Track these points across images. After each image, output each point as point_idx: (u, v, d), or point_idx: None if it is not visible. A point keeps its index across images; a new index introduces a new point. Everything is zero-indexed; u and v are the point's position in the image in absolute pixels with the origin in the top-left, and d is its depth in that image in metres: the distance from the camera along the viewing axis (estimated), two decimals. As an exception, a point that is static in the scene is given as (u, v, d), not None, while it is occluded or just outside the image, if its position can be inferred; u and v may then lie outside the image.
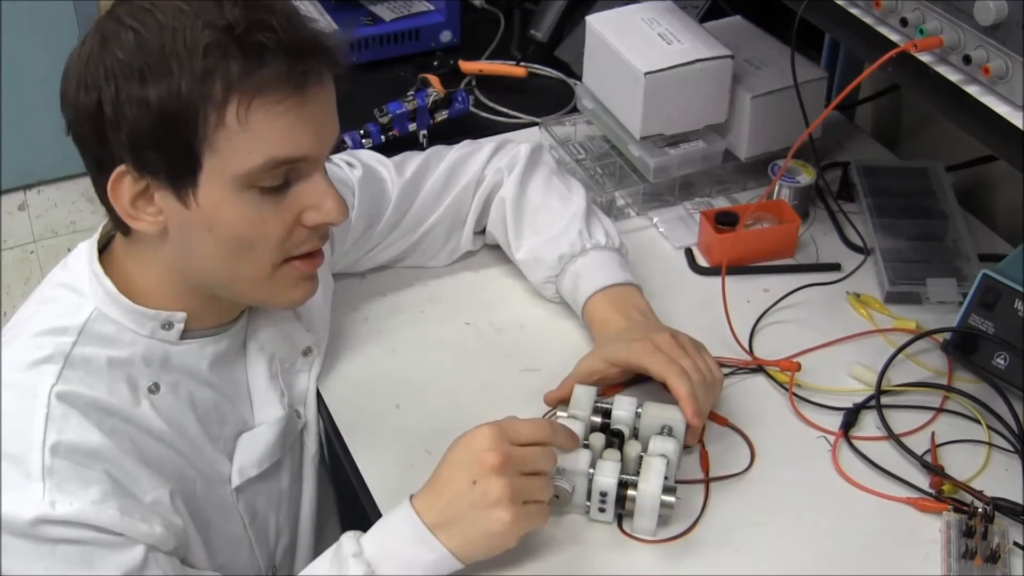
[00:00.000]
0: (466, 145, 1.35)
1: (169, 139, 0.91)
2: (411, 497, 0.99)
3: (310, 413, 1.18)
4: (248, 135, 0.91)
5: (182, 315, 1.02)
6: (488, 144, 1.34)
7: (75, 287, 1.02)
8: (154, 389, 1.02)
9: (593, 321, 1.22)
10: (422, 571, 0.97)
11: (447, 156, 1.33)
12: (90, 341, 0.99)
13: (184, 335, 1.04)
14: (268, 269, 0.99)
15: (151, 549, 0.96)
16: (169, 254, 0.99)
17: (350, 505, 1.31)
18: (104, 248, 1.04)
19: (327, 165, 1.26)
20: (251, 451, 1.10)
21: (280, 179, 0.96)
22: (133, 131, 0.91)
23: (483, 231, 1.35)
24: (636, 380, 1.20)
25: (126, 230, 1.00)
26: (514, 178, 1.30)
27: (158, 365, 1.02)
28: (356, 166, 1.28)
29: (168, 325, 1.02)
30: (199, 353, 1.05)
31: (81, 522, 0.92)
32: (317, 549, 1.23)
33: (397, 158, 1.32)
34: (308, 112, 0.94)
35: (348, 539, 0.98)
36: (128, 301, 1.00)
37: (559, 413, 1.12)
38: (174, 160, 0.92)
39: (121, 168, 0.94)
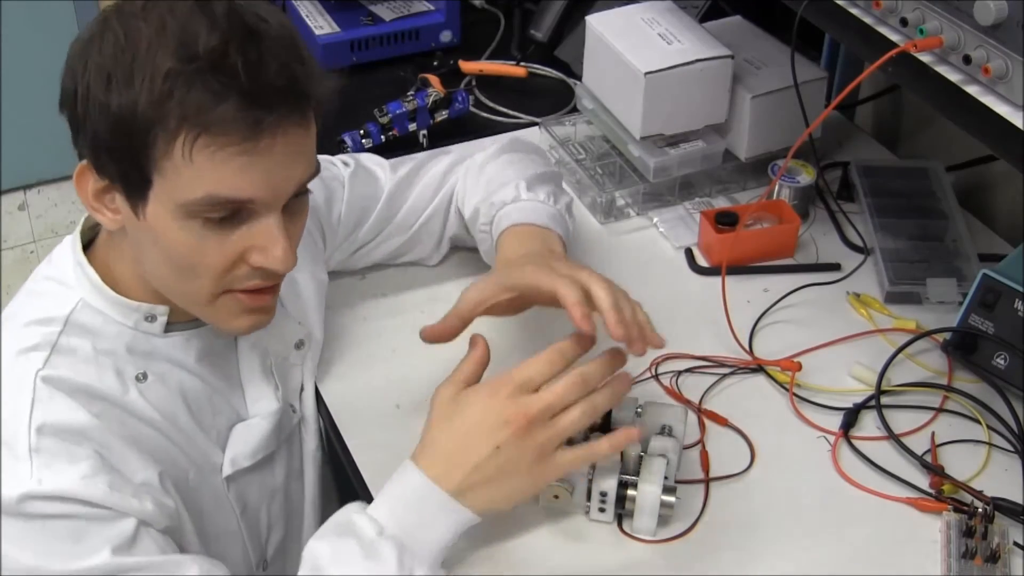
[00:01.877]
0: (465, 147, 1.35)
1: (123, 150, 0.91)
2: (418, 465, 0.97)
3: (308, 409, 1.19)
4: (192, 169, 0.90)
5: (164, 308, 1.02)
6: (490, 140, 1.34)
7: (60, 279, 1.03)
8: (142, 378, 1.02)
9: (499, 253, 1.17)
10: (449, 538, 0.97)
11: (445, 158, 1.33)
12: (76, 331, 1.00)
13: (168, 328, 1.04)
14: (207, 296, 0.97)
15: (142, 524, 0.96)
16: (133, 251, 1.00)
17: (350, 502, 1.30)
18: (90, 242, 1.05)
19: (326, 164, 1.28)
20: (244, 442, 1.10)
21: (224, 212, 0.92)
22: (94, 133, 0.92)
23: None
24: (636, 379, 1.20)
25: None
26: (488, 152, 1.30)
27: (144, 356, 1.03)
28: (350, 165, 1.29)
29: (151, 318, 1.03)
30: (185, 346, 1.06)
31: (69, 496, 0.92)
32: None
33: (396, 159, 1.33)
34: (259, 159, 0.90)
35: (362, 517, 0.96)
36: (112, 292, 1.01)
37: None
38: (127, 171, 0.92)
39: (84, 163, 0.95)
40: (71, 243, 1.05)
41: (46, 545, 0.93)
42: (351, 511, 0.98)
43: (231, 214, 0.93)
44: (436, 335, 1.09)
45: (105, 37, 0.91)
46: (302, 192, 0.98)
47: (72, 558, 0.93)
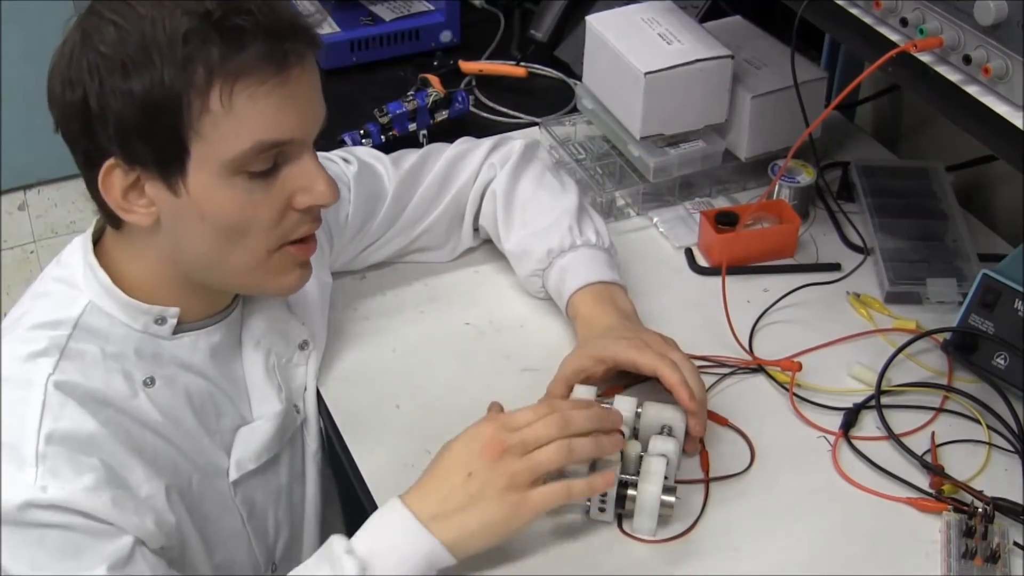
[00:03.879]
0: (464, 142, 1.35)
1: (155, 128, 0.92)
2: (400, 497, 0.98)
3: (310, 409, 1.18)
4: (233, 120, 0.92)
5: (175, 310, 1.03)
6: (487, 141, 1.35)
7: (69, 281, 1.02)
8: (149, 382, 1.02)
9: (578, 316, 1.22)
10: (415, 568, 0.95)
11: (445, 153, 1.33)
12: (84, 334, 0.99)
13: (177, 329, 1.04)
14: (262, 254, 1.00)
15: (139, 543, 0.95)
16: (161, 245, 1.00)
17: (351, 504, 1.31)
18: (96, 242, 1.05)
19: (325, 162, 1.27)
20: (249, 444, 1.10)
21: (269, 163, 0.96)
22: (119, 123, 0.92)
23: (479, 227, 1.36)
24: (636, 380, 1.20)
25: (118, 223, 1.00)
26: (506, 172, 1.31)
27: (152, 359, 1.03)
28: (352, 162, 1.29)
29: (161, 320, 1.03)
30: (192, 347, 1.06)
31: (71, 508, 0.92)
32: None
33: (394, 154, 1.33)
34: (292, 93, 0.94)
35: (338, 538, 0.97)
36: (122, 294, 1.01)
37: (559, 413, 1.12)
38: (162, 149, 0.93)
39: (110, 161, 0.95)
40: (81, 244, 1.04)
41: (42, 558, 0.92)
42: (334, 538, 0.98)
43: (272, 161, 0.96)
44: None
45: (103, 32, 0.92)
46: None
47: (68, 572, 0.92)
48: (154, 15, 0.90)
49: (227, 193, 0.95)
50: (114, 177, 0.96)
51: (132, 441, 0.99)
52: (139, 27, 0.90)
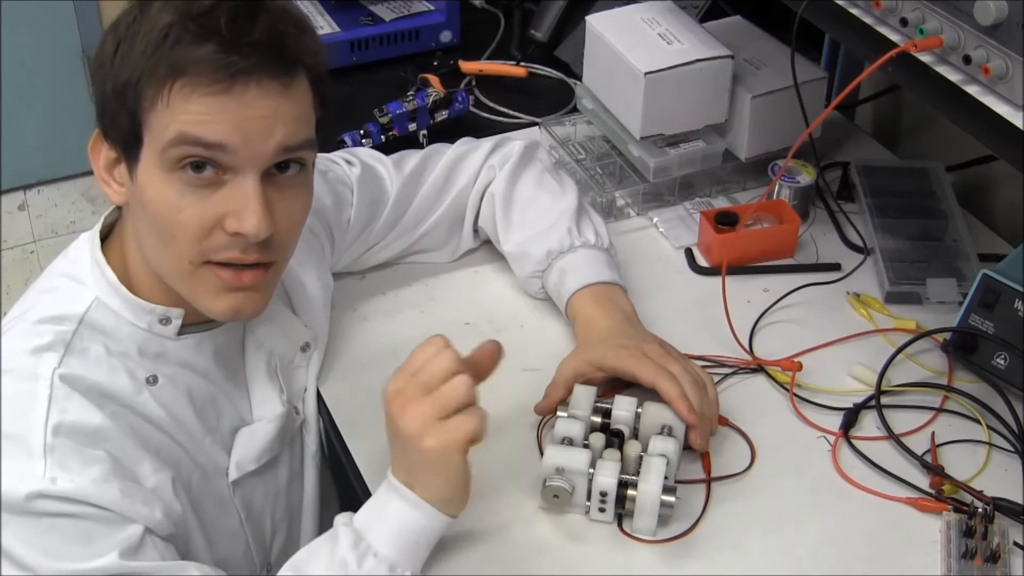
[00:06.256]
0: (465, 143, 1.35)
1: (121, 109, 0.94)
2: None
3: (310, 411, 1.19)
4: (169, 111, 0.92)
5: (179, 311, 1.03)
6: (487, 142, 1.35)
7: (76, 276, 1.03)
8: (152, 381, 1.02)
9: (577, 318, 1.22)
10: (414, 529, 0.98)
11: (446, 154, 1.33)
12: (89, 331, 1.00)
13: (181, 331, 1.04)
14: (187, 264, 0.97)
15: (148, 531, 0.96)
16: (134, 234, 1.01)
17: (350, 505, 1.30)
18: (105, 239, 1.05)
19: (327, 163, 1.28)
20: (250, 446, 1.10)
21: (197, 157, 0.92)
22: (101, 98, 0.96)
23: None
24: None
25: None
26: (505, 173, 1.31)
27: (155, 358, 1.03)
28: (355, 164, 1.28)
29: (166, 320, 1.03)
30: (196, 349, 1.06)
31: (81, 499, 0.92)
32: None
33: (395, 156, 1.32)
34: (233, 106, 0.91)
35: (340, 515, 1.00)
36: (128, 292, 1.01)
37: (558, 413, 1.12)
38: (124, 132, 0.95)
39: (96, 132, 0.98)
40: (89, 240, 1.05)
41: (55, 544, 0.92)
42: (338, 516, 1.00)
43: (209, 170, 0.93)
44: (547, 408, 1.16)
45: (127, 15, 0.95)
46: (292, 163, 0.97)
47: (80, 558, 0.92)
48: (161, 9, 0.92)
49: (161, 188, 0.94)
50: (100, 149, 0.99)
51: (137, 435, 0.99)
52: (146, 15, 0.93)
